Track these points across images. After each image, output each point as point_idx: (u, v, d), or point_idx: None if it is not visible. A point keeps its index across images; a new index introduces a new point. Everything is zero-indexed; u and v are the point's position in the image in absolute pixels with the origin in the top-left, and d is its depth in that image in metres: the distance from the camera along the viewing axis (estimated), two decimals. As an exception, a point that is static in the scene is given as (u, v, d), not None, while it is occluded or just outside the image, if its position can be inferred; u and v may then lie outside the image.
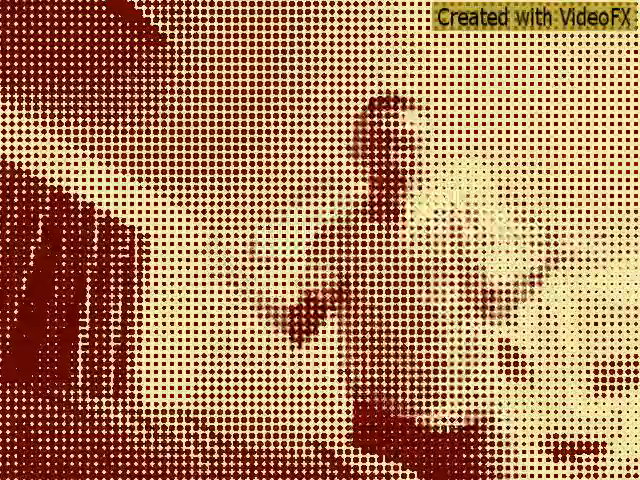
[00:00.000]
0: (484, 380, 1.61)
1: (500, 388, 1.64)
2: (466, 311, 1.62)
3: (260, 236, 1.82)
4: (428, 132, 1.67)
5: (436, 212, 1.70)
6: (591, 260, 1.64)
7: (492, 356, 1.66)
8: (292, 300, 1.79)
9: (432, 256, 1.63)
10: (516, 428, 1.61)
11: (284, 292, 1.87)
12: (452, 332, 1.59)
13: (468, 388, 1.58)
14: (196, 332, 4.07)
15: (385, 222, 1.68)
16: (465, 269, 1.65)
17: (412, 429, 1.57)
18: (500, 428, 1.59)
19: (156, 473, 0.95)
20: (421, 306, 1.59)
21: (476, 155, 3.40)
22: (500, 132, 3.24)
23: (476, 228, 1.69)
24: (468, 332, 1.61)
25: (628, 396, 4.20)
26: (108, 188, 3.56)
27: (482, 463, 1.55)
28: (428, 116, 1.69)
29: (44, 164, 3.20)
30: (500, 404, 1.62)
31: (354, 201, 1.80)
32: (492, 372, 1.64)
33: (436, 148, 1.69)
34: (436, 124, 1.75)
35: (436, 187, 1.74)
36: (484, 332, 1.64)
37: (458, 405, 1.57)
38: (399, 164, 1.62)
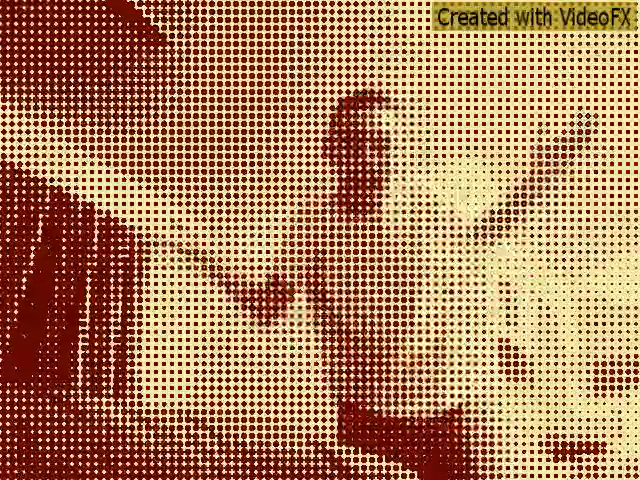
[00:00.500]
0: (477, 379, 1.60)
1: (500, 388, 1.64)
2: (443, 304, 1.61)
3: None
4: (404, 130, 1.66)
5: (412, 209, 1.69)
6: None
7: (493, 355, 1.65)
8: (258, 280, 1.80)
9: (407, 249, 1.62)
10: (516, 428, 1.61)
11: (251, 273, 1.89)
12: (428, 326, 1.58)
13: (450, 383, 1.58)
14: (196, 332, 4.07)
15: (359, 215, 1.67)
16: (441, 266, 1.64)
17: (401, 425, 1.57)
18: (500, 428, 1.59)
19: (156, 473, 0.95)
20: (397, 298, 1.59)
21: (476, 155, 3.40)
22: (500, 132, 3.24)
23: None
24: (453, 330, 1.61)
25: (628, 396, 4.20)
26: (108, 188, 3.56)
27: (481, 463, 1.55)
28: (404, 115, 1.69)
29: (44, 164, 3.20)
30: (500, 404, 1.62)
31: (329, 193, 1.80)
32: (485, 372, 1.63)
33: (412, 148, 1.69)
34: (412, 123, 1.75)
35: (436, 187, 1.73)
36: (459, 324, 1.63)
37: (450, 399, 1.57)
38: (373, 163, 1.61)
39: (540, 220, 3.96)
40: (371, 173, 1.61)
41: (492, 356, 1.65)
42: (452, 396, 1.57)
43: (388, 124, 1.63)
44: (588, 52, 2.72)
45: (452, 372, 1.57)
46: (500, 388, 1.63)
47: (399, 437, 1.58)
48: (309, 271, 1.73)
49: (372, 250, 1.64)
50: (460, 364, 1.58)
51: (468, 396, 1.58)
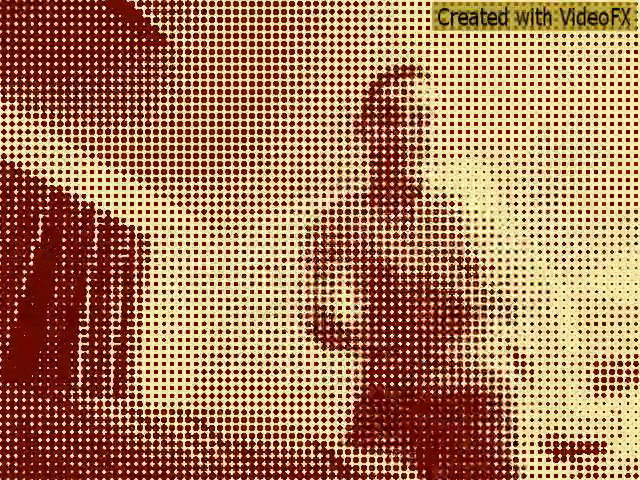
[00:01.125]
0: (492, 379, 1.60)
1: (508, 388, 1.63)
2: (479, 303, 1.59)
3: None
4: (438, 103, 1.62)
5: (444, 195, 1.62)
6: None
7: (500, 348, 1.65)
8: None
9: (443, 241, 1.57)
10: (516, 428, 1.61)
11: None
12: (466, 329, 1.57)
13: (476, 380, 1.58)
14: (196, 332, 4.07)
15: (393, 206, 1.63)
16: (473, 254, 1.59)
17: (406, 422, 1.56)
18: (501, 428, 1.59)
19: (156, 473, 0.95)
20: (436, 297, 1.55)
21: (476, 155, 3.40)
22: (500, 132, 3.24)
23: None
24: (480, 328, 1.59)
25: (628, 396, 4.20)
26: (108, 188, 3.56)
27: (481, 463, 1.55)
28: (441, 90, 1.64)
29: (44, 164, 3.20)
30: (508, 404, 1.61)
31: (360, 185, 1.74)
32: (500, 364, 1.63)
33: (446, 123, 1.65)
34: (443, 98, 1.69)
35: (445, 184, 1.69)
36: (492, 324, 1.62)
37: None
38: (409, 138, 1.56)
39: (540, 220, 3.96)
40: (409, 149, 1.55)
41: (500, 356, 1.65)
42: (453, 395, 1.57)
43: (427, 98, 1.59)
44: (588, 52, 2.72)
45: (490, 355, 1.57)
46: (508, 388, 1.63)
47: (404, 434, 1.57)
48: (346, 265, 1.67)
49: (404, 243, 1.58)
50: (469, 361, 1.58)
51: (470, 395, 1.58)
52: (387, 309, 1.58)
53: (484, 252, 1.61)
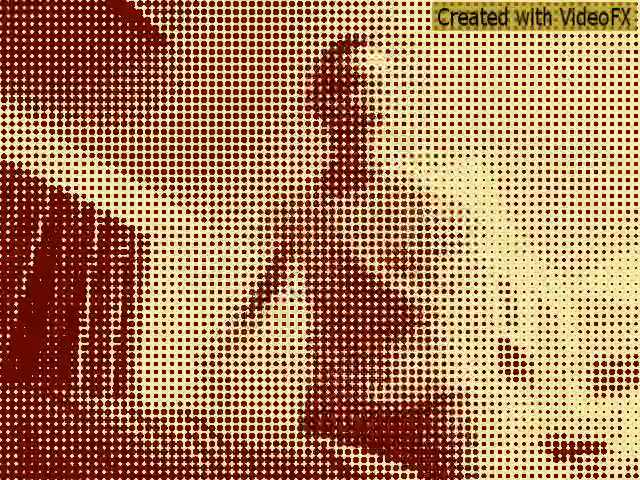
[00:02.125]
0: (483, 380, 1.60)
1: (500, 388, 1.63)
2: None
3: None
4: (395, 72, 1.58)
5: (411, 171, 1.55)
6: None
7: (492, 355, 1.65)
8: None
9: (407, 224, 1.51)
10: (516, 428, 1.61)
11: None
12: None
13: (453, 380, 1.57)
14: (196, 332, 4.07)
15: (348, 189, 1.58)
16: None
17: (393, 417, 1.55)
18: (500, 428, 1.59)
19: (156, 473, 0.95)
20: (394, 289, 1.52)
21: (476, 155, 3.40)
22: (500, 132, 3.24)
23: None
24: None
25: (628, 396, 4.21)
26: (108, 188, 3.56)
27: (481, 463, 1.55)
28: (396, 53, 1.61)
29: (44, 164, 3.20)
30: (500, 404, 1.61)
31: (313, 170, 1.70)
32: (492, 372, 1.63)
33: (404, 92, 1.59)
34: (404, 67, 1.64)
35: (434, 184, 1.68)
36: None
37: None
38: (365, 109, 1.49)
39: (540, 220, 3.96)
40: (362, 120, 1.47)
41: (492, 348, 1.64)
42: (445, 387, 1.56)
43: (380, 67, 1.54)
44: (588, 52, 2.72)
45: (444, 363, 1.55)
46: (500, 388, 1.63)
47: (390, 429, 1.56)
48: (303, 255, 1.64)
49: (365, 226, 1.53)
50: (452, 355, 1.57)
51: (460, 388, 1.57)
52: (340, 299, 1.50)
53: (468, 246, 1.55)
